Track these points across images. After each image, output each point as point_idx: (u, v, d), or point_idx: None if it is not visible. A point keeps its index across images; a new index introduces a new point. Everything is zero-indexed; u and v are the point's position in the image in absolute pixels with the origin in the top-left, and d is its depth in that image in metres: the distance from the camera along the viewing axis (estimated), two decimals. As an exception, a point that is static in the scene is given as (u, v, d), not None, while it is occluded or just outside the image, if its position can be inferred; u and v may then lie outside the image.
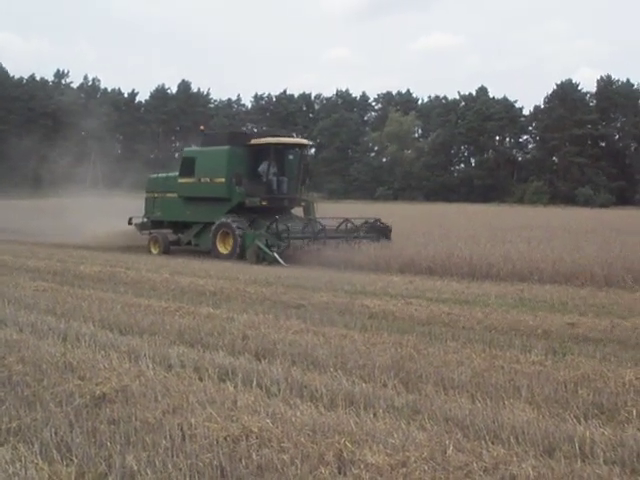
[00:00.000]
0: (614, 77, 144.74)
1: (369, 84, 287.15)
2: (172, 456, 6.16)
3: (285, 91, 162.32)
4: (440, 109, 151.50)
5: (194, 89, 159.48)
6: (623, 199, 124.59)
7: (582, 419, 7.14)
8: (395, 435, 6.50)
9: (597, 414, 7.39)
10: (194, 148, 33.94)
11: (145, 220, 32.80)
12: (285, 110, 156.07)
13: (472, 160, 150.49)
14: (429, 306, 14.65)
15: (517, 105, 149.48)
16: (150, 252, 30.68)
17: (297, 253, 25.91)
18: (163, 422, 6.93)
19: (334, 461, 6.00)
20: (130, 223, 32.95)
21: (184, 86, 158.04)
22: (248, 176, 28.64)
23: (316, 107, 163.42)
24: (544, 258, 21.03)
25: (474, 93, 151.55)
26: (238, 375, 8.81)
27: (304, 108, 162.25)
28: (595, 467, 5.91)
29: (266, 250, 25.18)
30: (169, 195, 31.18)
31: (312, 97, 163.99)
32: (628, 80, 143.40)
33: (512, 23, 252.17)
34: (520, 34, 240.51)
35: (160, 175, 33.34)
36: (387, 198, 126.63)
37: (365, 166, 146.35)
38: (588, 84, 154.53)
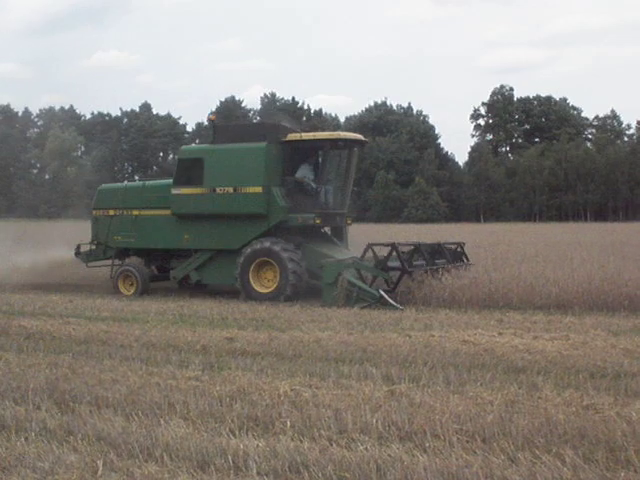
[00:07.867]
0: (279, 95, 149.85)
1: (36, 101, 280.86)
2: None
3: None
4: (103, 125, 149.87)
5: None
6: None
7: (237, 432, 7.33)
8: (45, 458, 6.41)
9: (252, 427, 7.57)
10: (200, 146, 25.87)
11: (94, 247, 24.01)
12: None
13: (136, 177, 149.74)
14: (87, 325, 14.56)
15: (181, 122, 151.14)
16: (120, 293, 22.00)
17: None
18: None
19: (-23, 490, 5.82)
20: (78, 252, 24.21)
21: None
22: (285, 184, 21.33)
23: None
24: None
25: (137, 109, 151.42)
26: None
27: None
28: (248, 479, 6.11)
29: (366, 288, 18.24)
30: (147, 212, 22.74)
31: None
32: (293, 98, 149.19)
33: (185, 42, 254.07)
34: (192, 53, 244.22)
35: (130, 185, 24.65)
36: (51, 216, 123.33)
37: (27, 183, 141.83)
38: (255, 101, 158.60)
